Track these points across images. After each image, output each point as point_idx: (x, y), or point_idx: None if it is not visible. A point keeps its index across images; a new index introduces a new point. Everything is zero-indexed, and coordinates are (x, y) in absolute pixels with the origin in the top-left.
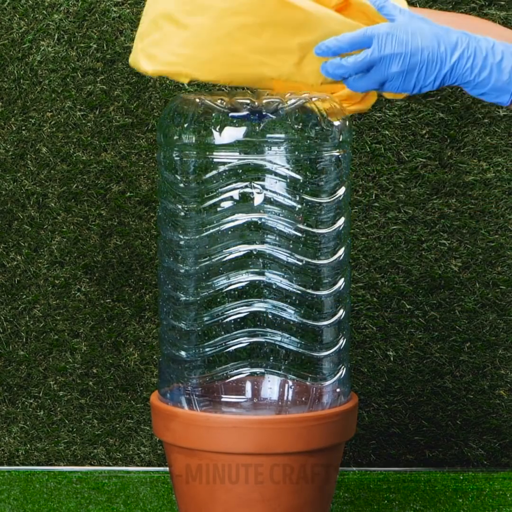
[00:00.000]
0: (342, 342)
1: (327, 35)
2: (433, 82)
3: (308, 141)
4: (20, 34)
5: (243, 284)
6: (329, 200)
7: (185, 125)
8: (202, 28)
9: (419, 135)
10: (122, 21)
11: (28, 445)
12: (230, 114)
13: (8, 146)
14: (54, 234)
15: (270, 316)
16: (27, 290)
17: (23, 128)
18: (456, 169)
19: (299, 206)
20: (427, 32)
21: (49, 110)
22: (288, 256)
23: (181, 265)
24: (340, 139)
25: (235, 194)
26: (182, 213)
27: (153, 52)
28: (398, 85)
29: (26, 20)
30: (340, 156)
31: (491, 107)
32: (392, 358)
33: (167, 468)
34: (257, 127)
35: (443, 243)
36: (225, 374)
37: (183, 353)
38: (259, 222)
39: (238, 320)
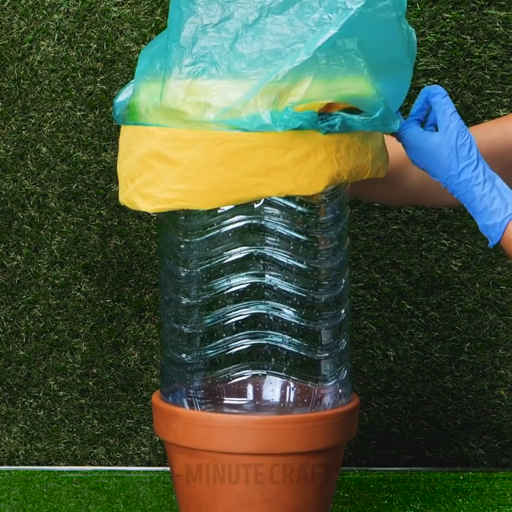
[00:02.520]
0: (343, 343)
1: (316, 145)
2: None
3: None
4: (20, 34)
5: (244, 286)
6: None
7: None
8: (194, 162)
9: None
10: (122, 21)
11: (28, 445)
12: None
13: (8, 146)
14: (54, 234)
15: (271, 318)
16: (27, 290)
17: (23, 128)
18: None
19: (299, 208)
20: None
21: (49, 110)
22: (288, 258)
23: (182, 268)
24: None
25: None
26: (182, 217)
27: (149, 192)
28: None
29: (26, 20)
30: None
31: (491, 107)
32: (392, 358)
33: (167, 468)
34: None
35: (443, 243)
36: (226, 377)
37: (184, 355)
38: (259, 224)
39: (239, 322)
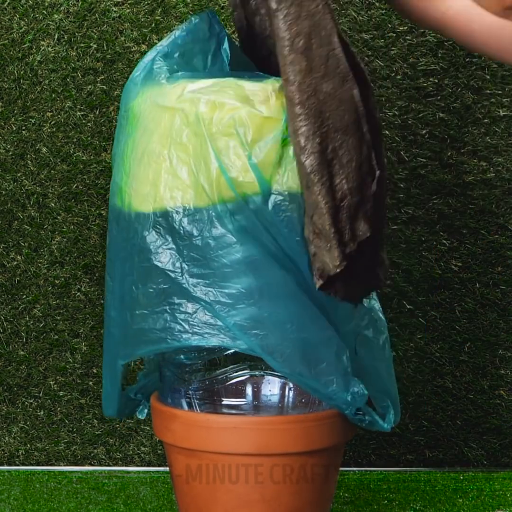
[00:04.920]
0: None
1: None
2: None
3: None
4: (20, 34)
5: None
6: None
7: None
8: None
9: (419, 135)
10: (122, 21)
11: (28, 445)
12: None
13: (8, 146)
14: (54, 234)
15: None
16: (27, 290)
17: (23, 128)
18: (456, 169)
19: None
20: None
21: (49, 110)
22: None
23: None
24: None
25: None
26: None
27: (148, 191)
28: None
29: (26, 20)
30: None
31: (491, 107)
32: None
33: (167, 468)
34: None
35: (443, 243)
36: (225, 377)
37: (183, 356)
38: None
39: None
